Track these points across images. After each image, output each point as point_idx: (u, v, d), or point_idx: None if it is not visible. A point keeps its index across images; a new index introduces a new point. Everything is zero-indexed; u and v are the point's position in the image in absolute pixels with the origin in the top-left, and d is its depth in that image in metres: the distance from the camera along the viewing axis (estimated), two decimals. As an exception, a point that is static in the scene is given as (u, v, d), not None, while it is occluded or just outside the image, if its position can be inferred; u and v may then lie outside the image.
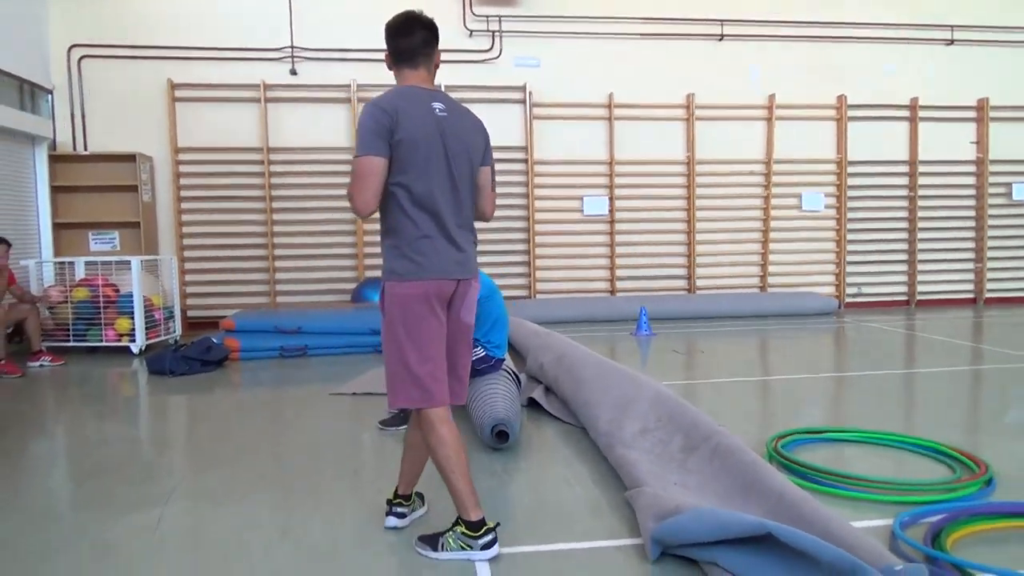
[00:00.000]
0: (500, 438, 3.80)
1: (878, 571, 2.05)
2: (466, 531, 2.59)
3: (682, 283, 10.03)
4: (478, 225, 2.80)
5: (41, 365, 6.68)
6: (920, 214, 10.37)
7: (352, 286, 9.15)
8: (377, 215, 2.64)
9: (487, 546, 2.58)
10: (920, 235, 10.40)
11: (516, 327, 6.54)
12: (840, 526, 2.40)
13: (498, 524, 2.66)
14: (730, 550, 2.33)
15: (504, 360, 4.72)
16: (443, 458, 2.58)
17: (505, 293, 7.64)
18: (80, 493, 3.44)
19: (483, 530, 2.59)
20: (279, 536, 2.84)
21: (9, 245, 6.60)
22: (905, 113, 10.27)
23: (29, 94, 8.44)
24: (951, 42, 10.26)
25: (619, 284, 9.88)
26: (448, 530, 2.65)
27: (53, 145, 8.64)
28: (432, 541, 2.65)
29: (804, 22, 9.95)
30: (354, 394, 5.32)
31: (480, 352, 4.49)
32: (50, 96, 8.72)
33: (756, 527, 2.25)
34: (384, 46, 2.70)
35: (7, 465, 3.88)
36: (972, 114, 10.42)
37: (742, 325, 8.81)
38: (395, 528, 2.85)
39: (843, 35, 10.06)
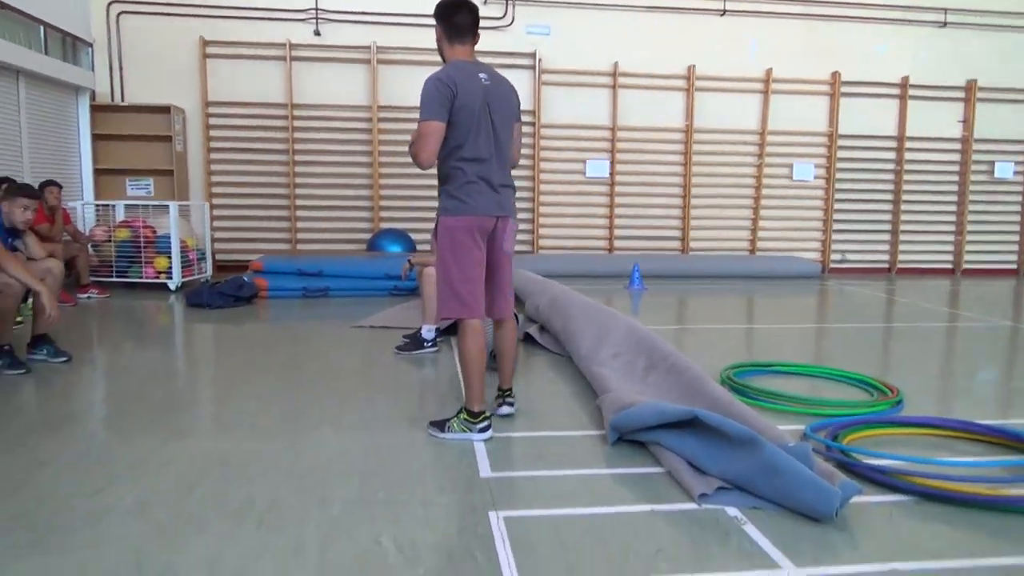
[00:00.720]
0: (496, 360, 4.50)
1: (774, 444, 2.76)
2: (468, 417, 3.32)
3: (676, 244, 10.69)
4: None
5: (89, 297, 7.41)
6: (905, 187, 10.95)
7: (367, 236, 9.83)
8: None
9: (483, 430, 3.31)
10: (904, 207, 10.99)
11: (517, 275, 7.20)
12: (755, 418, 3.11)
13: (492, 414, 3.39)
14: (668, 432, 3.03)
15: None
16: (468, 359, 3.33)
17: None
18: (150, 391, 4.18)
19: (481, 417, 3.32)
20: (319, 421, 3.58)
21: (60, 187, 7.29)
22: (896, 91, 10.79)
23: (71, 47, 9.04)
24: (944, 24, 10.73)
25: (617, 243, 10.54)
26: (454, 416, 3.38)
27: (93, 96, 9.27)
28: (440, 425, 3.38)
29: (803, 0, 10.42)
30: (372, 327, 6.04)
31: (483, 291, 5.18)
32: (90, 49, 9.33)
33: (686, 413, 2.96)
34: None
35: (83, 371, 4.62)
36: (960, 94, 10.93)
37: (730, 284, 9.47)
38: (508, 415, 3.61)
39: (840, 14, 10.53)
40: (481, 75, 3.27)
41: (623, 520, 2.54)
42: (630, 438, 3.21)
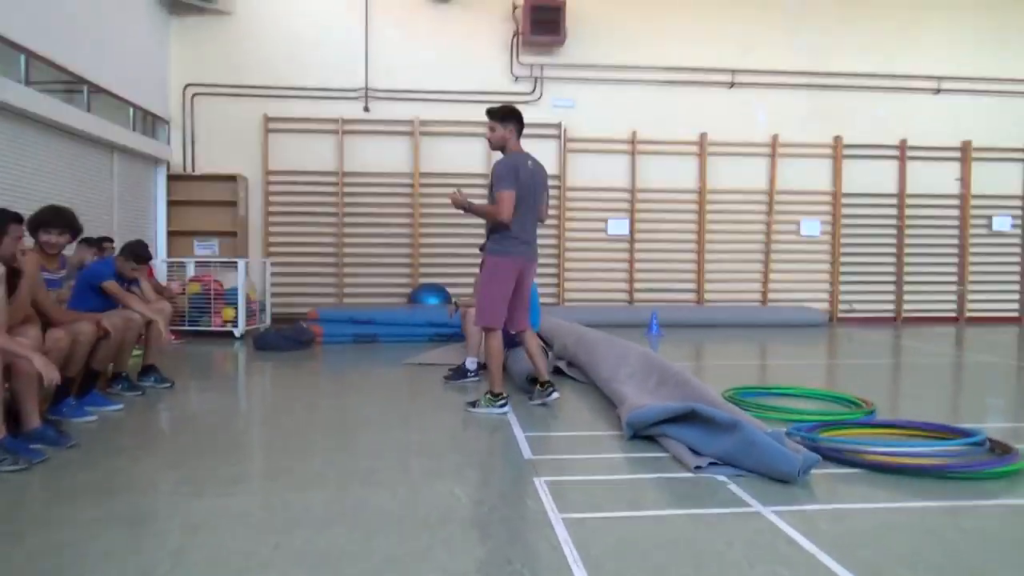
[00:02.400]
0: (532, 383, 5.33)
1: (755, 428, 3.54)
2: (491, 397, 4.65)
3: (692, 295, 11.50)
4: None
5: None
6: (907, 241, 11.72)
7: (408, 290, 10.78)
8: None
9: (502, 406, 4.70)
10: (907, 259, 11.73)
11: (547, 321, 8.05)
12: (742, 414, 3.89)
13: (508, 396, 4.69)
14: (671, 425, 3.83)
15: (536, 335, 6.28)
16: (489, 354, 4.70)
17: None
18: (247, 407, 5.06)
19: (500, 397, 4.64)
20: (390, 426, 4.42)
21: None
22: (895, 152, 11.68)
23: (151, 124, 10.26)
24: (937, 91, 11.67)
25: (637, 295, 11.37)
26: (482, 396, 4.70)
27: (168, 166, 10.45)
28: (473, 403, 4.68)
29: (806, 72, 11.45)
30: (421, 364, 6.90)
31: (519, 328, 6.06)
32: (167, 126, 10.56)
33: (685, 408, 3.76)
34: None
35: (187, 394, 5.53)
36: (957, 154, 11.78)
37: (742, 332, 10.22)
38: (555, 399, 4.90)
39: (840, 84, 11.52)
40: (528, 162, 4.74)
41: (635, 483, 3.33)
42: (643, 434, 4.00)
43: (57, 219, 4.63)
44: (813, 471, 3.34)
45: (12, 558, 2.46)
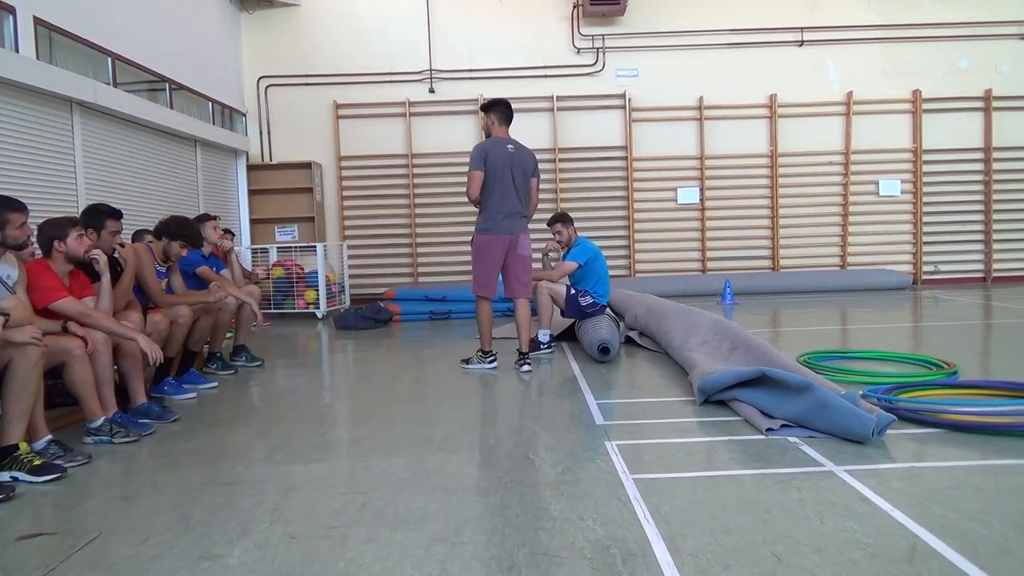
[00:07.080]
0: (603, 353, 5.42)
1: (827, 390, 3.53)
2: (482, 354, 5.40)
3: (767, 263, 11.28)
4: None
5: (255, 324, 8.78)
6: (996, 197, 11.16)
7: (480, 267, 10.94)
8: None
9: (491, 363, 5.38)
10: (996, 216, 11.19)
11: (617, 293, 8.08)
12: (815, 377, 3.88)
13: (496, 352, 5.44)
14: (742, 389, 3.85)
15: (607, 306, 6.34)
16: (480, 319, 5.42)
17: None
18: (331, 381, 5.31)
19: (490, 355, 5.40)
20: (468, 395, 4.58)
21: (233, 235, 8.73)
22: (979, 104, 11.11)
23: (229, 117, 10.70)
24: (1025, 36, 11.04)
25: (709, 264, 11.24)
26: (473, 355, 5.46)
27: (247, 157, 10.88)
28: (467, 360, 5.43)
29: (878, 25, 11.01)
30: (494, 338, 7.01)
31: (589, 299, 6.13)
32: (244, 118, 10.98)
33: (756, 371, 3.77)
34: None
35: (276, 371, 5.83)
36: (1048, 102, 11.13)
37: (821, 297, 10.00)
38: (528, 372, 5.24)
39: (917, 35, 11.02)
40: (508, 146, 5.25)
41: (706, 445, 3.39)
42: (714, 399, 4.03)
43: (188, 235, 5.08)
44: (888, 432, 3.32)
45: (129, 517, 2.72)
